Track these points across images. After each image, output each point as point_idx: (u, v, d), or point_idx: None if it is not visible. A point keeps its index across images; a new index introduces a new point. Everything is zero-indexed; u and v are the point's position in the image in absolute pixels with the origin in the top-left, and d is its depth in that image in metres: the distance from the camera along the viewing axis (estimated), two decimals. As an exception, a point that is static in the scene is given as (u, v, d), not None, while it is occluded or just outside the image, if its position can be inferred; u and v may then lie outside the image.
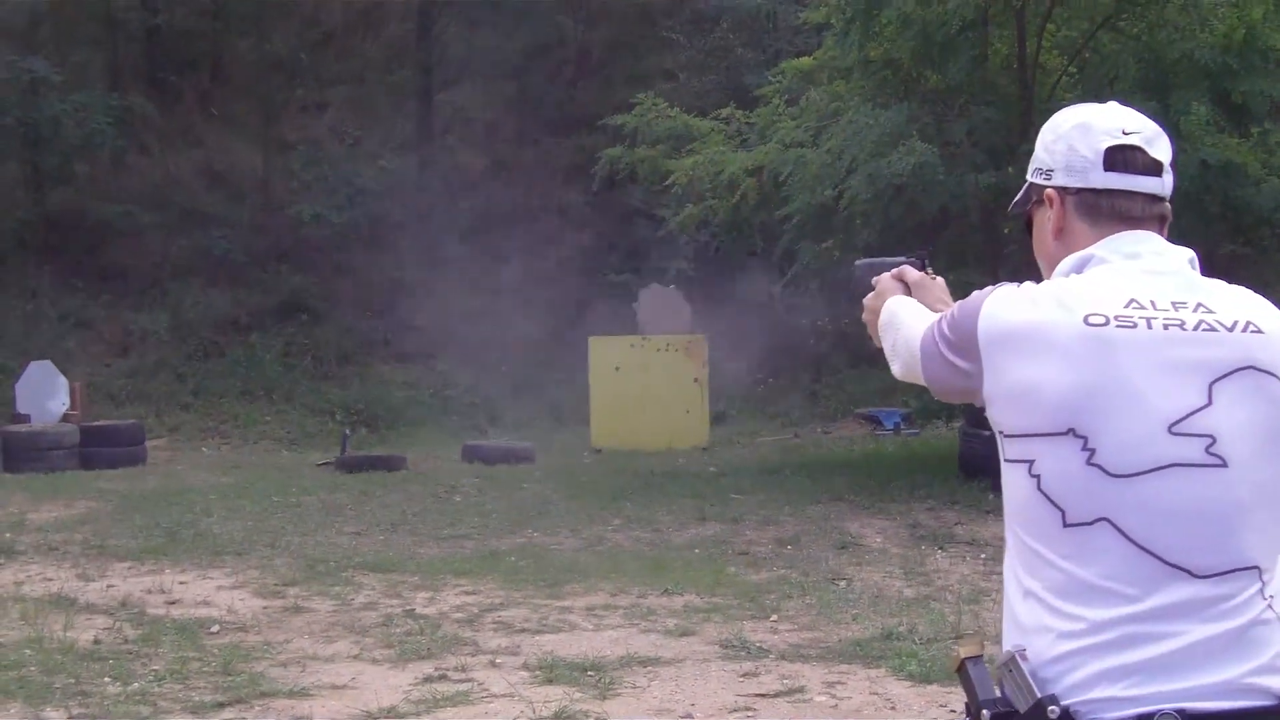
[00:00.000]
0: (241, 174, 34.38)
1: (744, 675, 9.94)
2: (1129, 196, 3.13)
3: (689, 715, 8.98)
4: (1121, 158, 3.13)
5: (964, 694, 3.10)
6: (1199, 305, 3.02)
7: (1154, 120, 3.23)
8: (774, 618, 11.85)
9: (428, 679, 9.84)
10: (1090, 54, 20.21)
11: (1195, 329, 2.97)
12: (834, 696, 9.37)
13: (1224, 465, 2.90)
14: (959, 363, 3.13)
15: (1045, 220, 3.25)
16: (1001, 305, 3.06)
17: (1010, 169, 19.20)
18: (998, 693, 2.99)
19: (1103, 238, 3.12)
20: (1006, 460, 3.04)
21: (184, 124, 35.32)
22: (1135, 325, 2.96)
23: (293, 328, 30.62)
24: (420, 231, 33.41)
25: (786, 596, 12.67)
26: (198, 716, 9.00)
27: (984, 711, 2.99)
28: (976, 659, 3.08)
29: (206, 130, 35.37)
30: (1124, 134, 3.14)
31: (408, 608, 12.21)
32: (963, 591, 12.81)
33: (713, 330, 27.30)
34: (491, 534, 16.18)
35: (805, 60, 21.81)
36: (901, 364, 3.55)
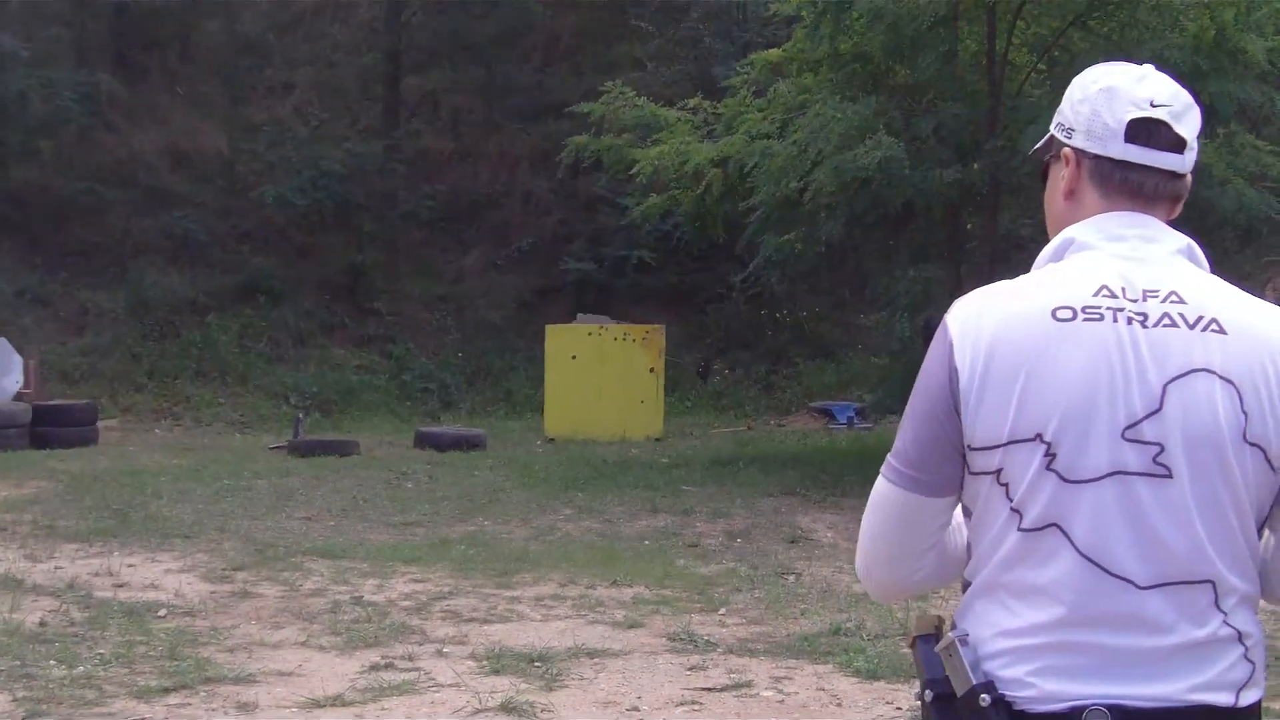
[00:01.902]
0: (206, 154, 34.23)
1: (691, 669, 9.90)
2: (1145, 171, 3.03)
3: (635, 708, 8.94)
4: (1145, 131, 3.01)
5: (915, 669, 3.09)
6: (1171, 295, 2.93)
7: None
8: (722, 611, 11.82)
9: (374, 667, 9.77)
10: (1060, 52, 20.19)
11: (1158, 324, 2.89)
12: (781, 692, 9.34)
13: (1169, 476, 2.84)
14: (930, 424, 3.00)
15: (1059, 178, 3.14)
16: (972, 318, 2.97)
17: (976, 165, 19.24)
18: (943, 674, 2.97)
19: (1110, 210, 3.04)
20: (974, 472, 2.97)
21: (150, 103, 35.14)
22: (1102, 318, 2.89)
23: (251, 310, 30.50)
24: (383, 216, 33.34)
25: (735, 590, 12.65)
26: (143, 701, 8.92)
27: (926, 691, 2.98)
28: (928, 638, 3.04)
29: (173, 109, 35.20)
30: (1152, 105, 3.03)
31: (356, 595, 12.14)
32: (883, 599, 12.76)
33: (671, 320, 27.30)
34: (442, 521, 16.13)
35: (774, 52, 21.73)
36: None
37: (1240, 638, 2.90)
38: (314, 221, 32.69)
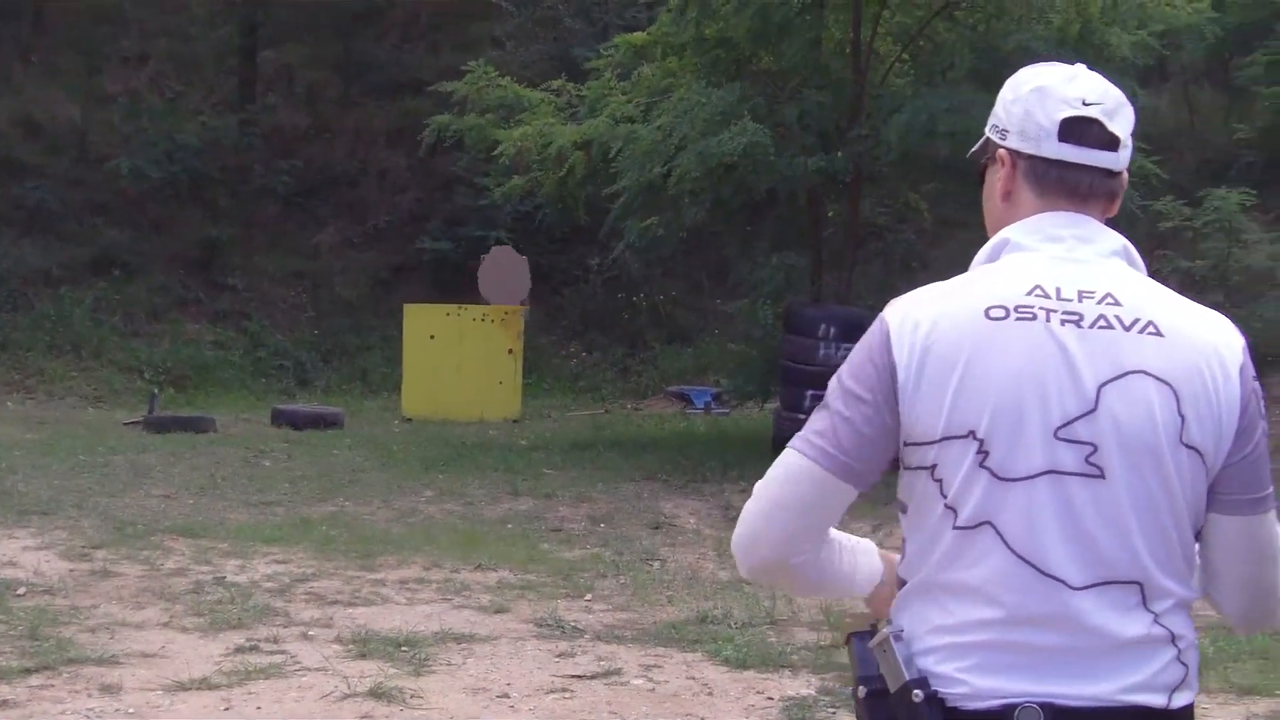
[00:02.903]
0: (60, 125, 33.65)
1: (559, 655, 9.88)
2: (1079, 170, 3.04)
3: (506, 695, 8.90)
4: (1077, 130, 3.03)
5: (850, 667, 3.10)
6: (1106, 296, 2.93)
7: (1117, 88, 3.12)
8: (588, 597, 11.81)
9: (239, 649, 9.67)
10: (925, 42, 20.31)
11: (1092, 325, 2.89)
12: (651, 680, 9.34)
13: (1101, 477, 2.85)
14: (864, 410, 2.97)
15: (995, 179, 3.15)
16: (909, 314, 2.97)
17: (840, 153, 19.31)
18: (876, 670, 2.99)
19: (1046, 209, 3.04)
20: (909, 468, 2.98)
21: (2, 72, 34.54)
22: (1035, 317, 2.89)
23: (104, 283, 30.02)
24: (238, 191, 33.01)
25: (600, 576, 12.64)
26: (4, 682, 8.76)
27: (860, 687, 2.99)
28: (863, 635, 3.07)
29: (26, 79, 34.59)
30: (1084, 104, 3.04)
31: (218, 575, 12.01)
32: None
33: (529, 302, 27.22)
34: (302, 501, 15.99)
35: (639, 35, 21.68)
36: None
37: (1173, 639, 2.91)
38: (168, 195, 32.24)
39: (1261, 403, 3.01)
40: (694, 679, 9.39)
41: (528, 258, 27.24)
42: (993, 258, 3.06)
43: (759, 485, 3.06)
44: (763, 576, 3.11)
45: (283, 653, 9.66)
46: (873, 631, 3.06)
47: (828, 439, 2.99)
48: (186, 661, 9.35)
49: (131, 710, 8.35)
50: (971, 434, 2.86)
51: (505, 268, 26.69)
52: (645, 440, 22.39)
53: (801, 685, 9.26)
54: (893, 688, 2.92)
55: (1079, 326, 2.89)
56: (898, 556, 3.12)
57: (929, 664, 2.91)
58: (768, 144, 18.28)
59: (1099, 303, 2.92)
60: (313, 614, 10.81)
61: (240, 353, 29.50)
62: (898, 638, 2.95)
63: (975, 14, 19.72)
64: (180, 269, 31.32)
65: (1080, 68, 3.14)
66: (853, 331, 18.51)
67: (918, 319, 2.94)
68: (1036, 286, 2.94)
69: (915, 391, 2.91)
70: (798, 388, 19.06)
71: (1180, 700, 2.92)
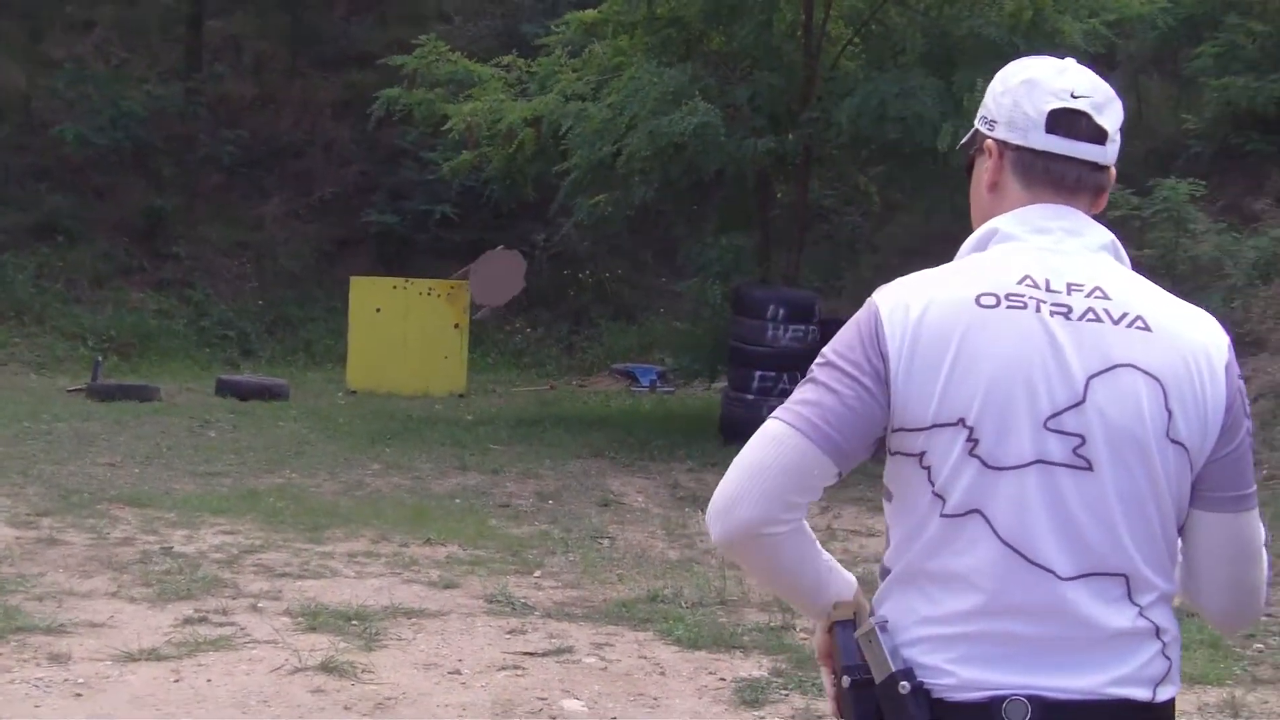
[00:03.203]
0: (3, 90, 33.33)
1: (510, 632, 9.86)
2: (1066, 162, 3.04)
3: (457, 671, 8.87)
4: (1065, 122, 3.03)
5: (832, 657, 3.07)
6: (1095, 290, 2.94)
7: (1107, 83, 3.12)
8: (538, 574, 11.78)
9: (188, 621, 9.62)
10: (876, 25, 20.30)
11: (1081, 317, 2.89)
12: (603, 659, 9.32)
13: (1089, 469, 2.85)
14: (853, 387, 2.94)
15: (983, 170, 3.15)
16: (900, 298, 2.96)
17: (790, 135, 19.30)
18: (860, 660, 2.97)
19: (1033, 201, 3.04)
20: (896, 454, 2.97)
21: (-55, 37, 34.28)
22: (1025, 306, 2.89)
23: (47, 249, 29.78)
24: (183, 159, 32.81)
25: (550, 552, 12.63)
26: (-48, 651, 8.74)
27: (844, 677, 2.98)
28: (846, 623, 3.03)
29: (-31, 44, 34.36)
30: (1072, 97, 3.05)
31: (165, 545, 11.94)
32: (726, 556, 12.81)
33: (463, 271, 27.20)
34: (248, 472, 15.91)
35: (590, 13, 21.58)
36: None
37: (1158, 632, 2.92)
38: (113, 162, 32.00)
39: (1246, 402, 3.02)
40: (645, 658, 9.38)
41: (467, 231, 27.15)
42: (980, 247, 3.06)
43: (737, 457, 3.01)
44: (737, 546, 3.01)
45: (232, 624, 9.62)
46: (856, 621, 3.04)
47: (813, 410, 2.95)
48: (135, 632, 9.29)
49: (81, 680, 8.29)
50: (961, 421, 2.86)
51: (499, 269, 26.60)
52: (592, 418, 22.37)
53: (753, 666, 9.25)
54: (878, 678, 2.91)
55: (1067, 319, 2.89)
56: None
57: (915, 655, 2.90)
58: (719, 125, 18.28)
59: (1087, 296, 2.93)
60: (261, 586, 10.77)
61: (184, 322, 29.34)
62: (883, 628, 2.94)
63: (926, -1, 19.74)
64: (124, 236, 31.11)
65: (1070, 62, 3.14)
66: (801, 313, 18.60)
67: (909, 304, 2.93)
68: (1027, 276, 2.94)
69: (907, 377, 2.90)
70: (746, 368, 19.09)
71: (1164, 694, 2.93)
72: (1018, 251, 2.99)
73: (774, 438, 2.97)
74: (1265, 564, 3.10)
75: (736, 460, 3.01)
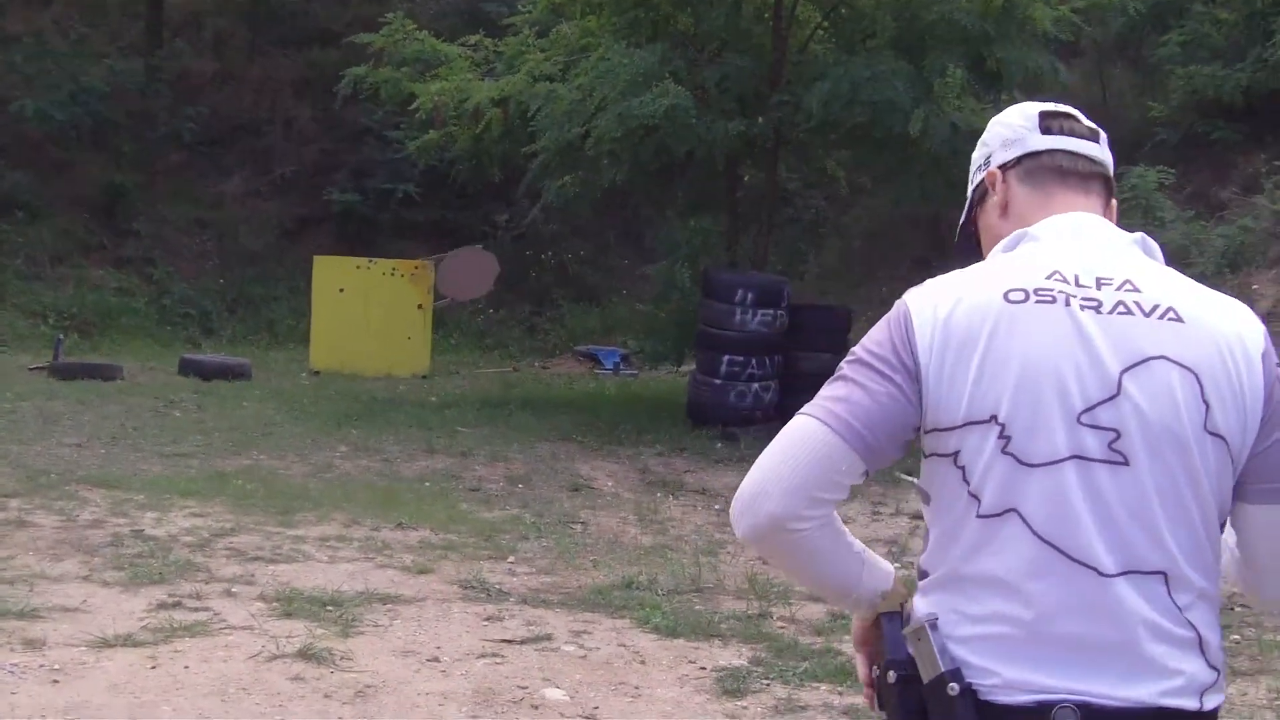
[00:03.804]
0: (-39, 65, 33.17)
1: (487, 619, 9.80)
2: (1064, 153, 3.09)
3: (436, 659, 8.80)
4: (1056, 121, 3.12)
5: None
6: (1125, 283, 2.92)
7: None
8: (511, 559, 11.73)
9: (163, 605, 9.53)
10: (846, 9, 20.23)
11: (1112, 310, 2.87)
12: (582, 646, 9.26)
13: (1125, 464, 2.81)
14: (885, 386, 2.94)
15: (992, 208, 3.17)
16: (929, 298, 2.95)
17: (760, 118, 19.24)
18: (907, 655, 2.96)
19: (1049, 199, 3.07)
20: (931, 455, 2.95)
21: (-100, 9, 33.99)
22: (1054, 300, 2.87)
23: (7, 225, 29.53)
24: (143, 136, 32.61)
25: (523, 537, 12.57)
26: (-76, 635, 8.63)
27: (890, 671, 2.97)
28: (893, 615, 3.03)
29: (-75, 16, 34.09)
30: (1056, 106, 3.16)
31: (136, 528, 11.82)
32: (698, 542, 12.81)
33: (437, 257, 27.11)
34: (215, 453, 15.79)
35: (558, -9, 21.57)
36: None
37: (1201, 642, 2.88)
38: (72, 138, 31.78)
39: None
40: (625, 646, 9.33)
41: (429, 211, 27.02)
42: (1010, 249, 3.06)
43: (764, 451, 3.00)
44: (762, 541, 2.99)
45: (207, 609, 9.53)
46: (901, 613, 3.03)
47: (842, 406, 2.95)
48: (110, 617, 9.20)
49: (57, 666, 8.19)
50: (993, 418, 2.84)
51: (472, 267, 26.46)
52: (557, 400, 22.31)
53: (733, 655, 9.23)
54: (926, 677, 2.89)
55: (1098, 312, 2.87)
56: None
57: (961, 654, 2.87)
58: (689, 107, 18.21)
59: (1118, 289, 2.91)
60: (234, 570, 10.68)
61: (145, 300, 29.17)
62: (934, 626, 2.91)
63: (898, -18, 19.63)
64: (84, 213, 30.91)
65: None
66: (770, 298, 18.56)
67: (937, 303, 2.93)
68: (1055, 271, 2.93)
69: (939, 376, 2.89)
70: (714, 352, 19.01)
71: (1211, 703, 2.90)
72: (1046, 249, 2.99)
73: (802, 432, 2.96)
74: None
75: (763, 454, 3.00)
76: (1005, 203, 3.13)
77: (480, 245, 28.30)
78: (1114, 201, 3.16)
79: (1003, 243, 3.07)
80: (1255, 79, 23.18)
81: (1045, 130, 3.10)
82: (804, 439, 2.94)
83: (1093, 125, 3.13)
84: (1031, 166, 3.09)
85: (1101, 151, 3.13)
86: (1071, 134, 3.10)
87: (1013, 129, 3.12)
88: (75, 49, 33.40)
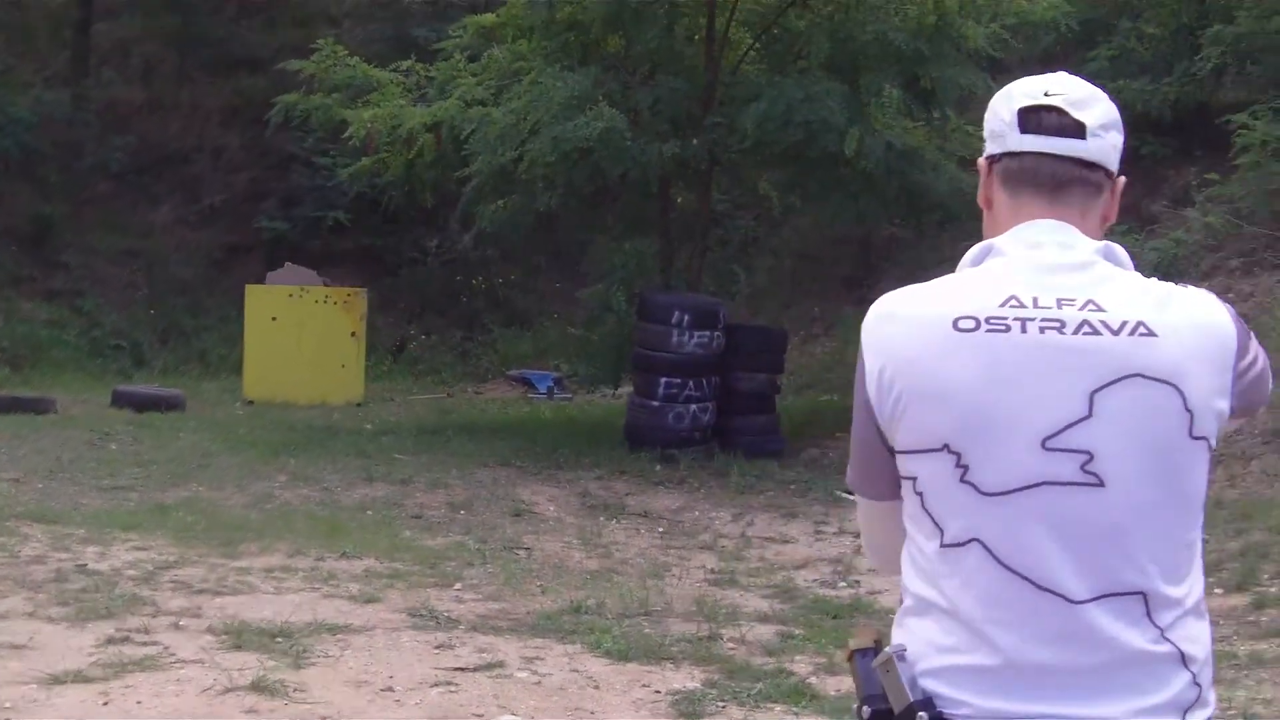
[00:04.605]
0: (-114, 96, 32.90)
1: (438, 647, 9.76)
2: (1040, 158, 2.97)
3: (390, 689, 8.76)
4: (1035, 119, 2.97)
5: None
6: (1088, 303, 2.85)
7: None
8: (458, 586, 11.71)
9: (111, 640, 9.45)
10: (779, 30, 20.29)
11: (1076, 331, 2.81)
12: (535, 673, 9.24)
13: (1100, 485, 2.76)
14: (860, 426, 3.01)
15: (983, 194, 3.13)
16: (880, 324, 2.95)
17: (694, 140, 19.27)
18: (881, 690, 2.92)
19: (1019, 208, 2.99)
20: (903, 478, 2.94)
21: None
22: (1008, 329, 2.82)
23: (-67, 258, 29.41)
24: (71, 166, 32.41)
25: (468, 564, 12.55)
26: None
27: (864, 707, 2.92)
28: (866, 652, 2.98)
29: None
30: (1045, 95, 2.99)
31: (79, 563, 11.73)
32: (644, 566, 12.83)
33: (365, 284, 27.06)
34: (154, 486, 15.68)
35: (488, 17, 21.46)
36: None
37: (1184, 660, 2.82)
38: (-1, 169, 31.66)
39: (1255, 365, 3.00)
40: (577, 671, 9.31)
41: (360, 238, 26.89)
42: (976, 262, 3.00)
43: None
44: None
45: (156, 644, 9.46)
46: (877, 648, 2.99)
47: (851, 462, 3.08)
48: (58, 653, 9.12)
49: (8, 704, 8.12)
50: (945, 447, 2.82)
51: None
52: (494, 425, 22.25)
53: (685, 678, 9.22)
54: (896, 709, 2.85)
55: (1061, 333, 2.82)
56: None
57: (933, 685, 2.84)
58: (624, 130, 18.24)
59: (1080, 309, 2.84)
60: (181, 603, 10.61)
61: (75, 332, 28.97)
62: (901, 657, 2.88)
63: (831, 3, 19.67)
64: (12, 245, 30.68)
65: (1061, 73, 3.09)
66: (706, 320, 18.57)
67: (884, 333, 2.93)
68: (1012, 297, 2.87)
69: (884, 401, 2.90)
70: (651, 375, 18.99)
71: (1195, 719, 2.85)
72: (1008, 269, 2.93)
73: (859, 510, 3.21)
74: None
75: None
76: (988, 197, 3.08)
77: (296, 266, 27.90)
78: (1106, 198, 3.04)
79: (970, 254, 3.01)
80: (1183, 93, 23.38)
81: (1024, 129, 2.98)
82: (860, 514, 3.22)
83: (1079, 118, 2.96)
84: (1010, 167, 3.01)
85: (1087, 147, 2.97)
86: (1048, 132, 2.96)
87: (999, 121, 3.02)
88: (2, 80, 33.15)
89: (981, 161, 3.10)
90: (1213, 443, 2.87)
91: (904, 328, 2.89)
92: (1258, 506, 13.51)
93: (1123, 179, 3.08)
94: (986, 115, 3.10)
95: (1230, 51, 22.43)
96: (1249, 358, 2.95)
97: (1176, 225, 21.60)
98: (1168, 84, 23.46)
